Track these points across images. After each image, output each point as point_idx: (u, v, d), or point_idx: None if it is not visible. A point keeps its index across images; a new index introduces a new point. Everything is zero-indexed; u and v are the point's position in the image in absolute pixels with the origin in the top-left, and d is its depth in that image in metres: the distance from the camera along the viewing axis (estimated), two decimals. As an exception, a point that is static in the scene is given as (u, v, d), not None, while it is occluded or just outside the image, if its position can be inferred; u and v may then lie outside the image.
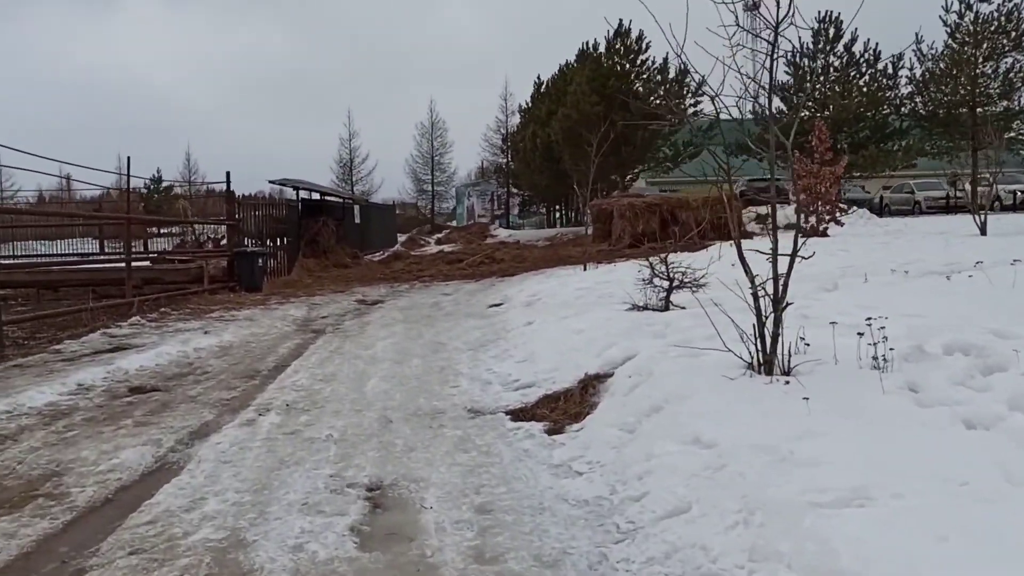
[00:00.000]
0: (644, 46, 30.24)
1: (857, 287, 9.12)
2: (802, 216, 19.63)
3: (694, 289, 8.84)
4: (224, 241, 19.32)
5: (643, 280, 9.30)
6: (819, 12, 30.06)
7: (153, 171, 55.97)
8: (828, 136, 19.70)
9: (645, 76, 30.39)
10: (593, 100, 28.87)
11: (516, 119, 52.59)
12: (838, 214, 19.16)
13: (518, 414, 6.01)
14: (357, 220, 30.80)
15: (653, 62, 30.47)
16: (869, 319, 4.97)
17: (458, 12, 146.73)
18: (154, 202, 47.94)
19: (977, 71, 28.05)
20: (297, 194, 24.03)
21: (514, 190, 56.09)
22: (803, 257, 5.54)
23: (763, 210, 28.15)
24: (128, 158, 14.62)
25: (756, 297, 5.34)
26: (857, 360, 4.98)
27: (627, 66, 30.39)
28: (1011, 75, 28.20)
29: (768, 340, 5.19)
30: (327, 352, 9.29)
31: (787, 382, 4.86)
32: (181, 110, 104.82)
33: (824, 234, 18.89)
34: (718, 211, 23.76)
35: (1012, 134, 28.60)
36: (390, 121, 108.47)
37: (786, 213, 27.57)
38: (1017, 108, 28.80)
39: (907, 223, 23.03)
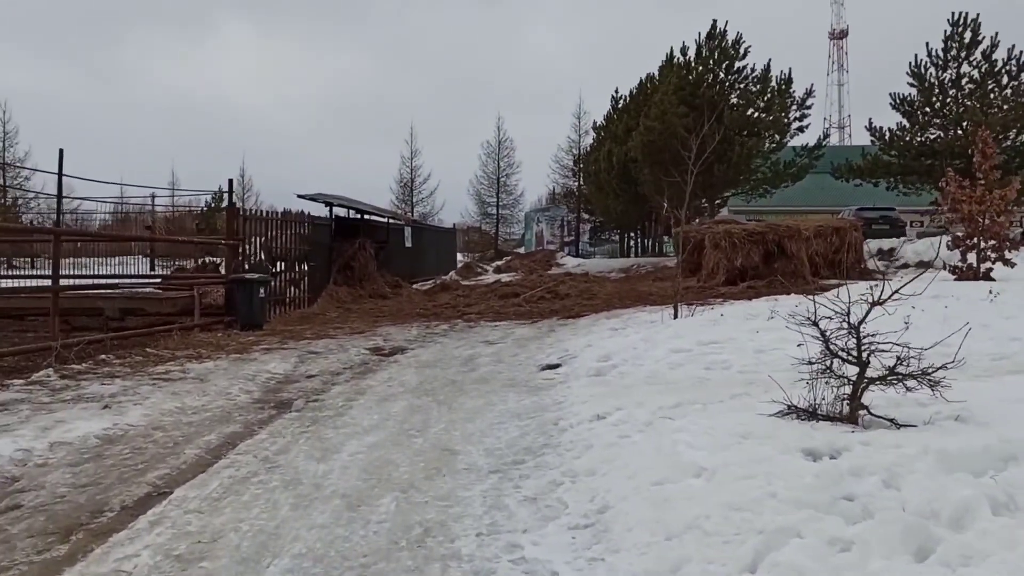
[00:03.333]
0: (742, 51, 26.08)
1: None
2: (957, 253, 15.19)
3: (917, 384, 4.78)
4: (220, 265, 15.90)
5: (805, 361, 5.25)
6: (952, 14, 25.46)
7: (215, 188, 53.92)
8: (995, 151, 15.23)
9: (742, 86, 26.21)
10: (681, 112, 24.82)
11: (590, 139, 48.82)
12: (1007, 251, 14.65)
13: None
14: (408, 244, 27.31)
15: (752, 70, 26.28)
16: None
17: (542, 38, 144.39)
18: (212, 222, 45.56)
19: None
20: (330, 211, 20.60)
21: (585, 215, 52.19)
22: None
23: (886, 244, 23.60)
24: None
25: None
26: None
27: (720, 74, 26.26)
28: None
29: None
30: (255, 463, 5.50)
31: None
32: (263, 132, 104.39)
33: (987, 277, 14.41)
34: (833, 243, 19.48)
35: None
36: (459, 147, 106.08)
37: (915, 248, 23.01)
38: None
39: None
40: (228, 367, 9.61)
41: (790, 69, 27.07)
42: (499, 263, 37.28)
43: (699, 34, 26.73)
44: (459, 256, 41.21)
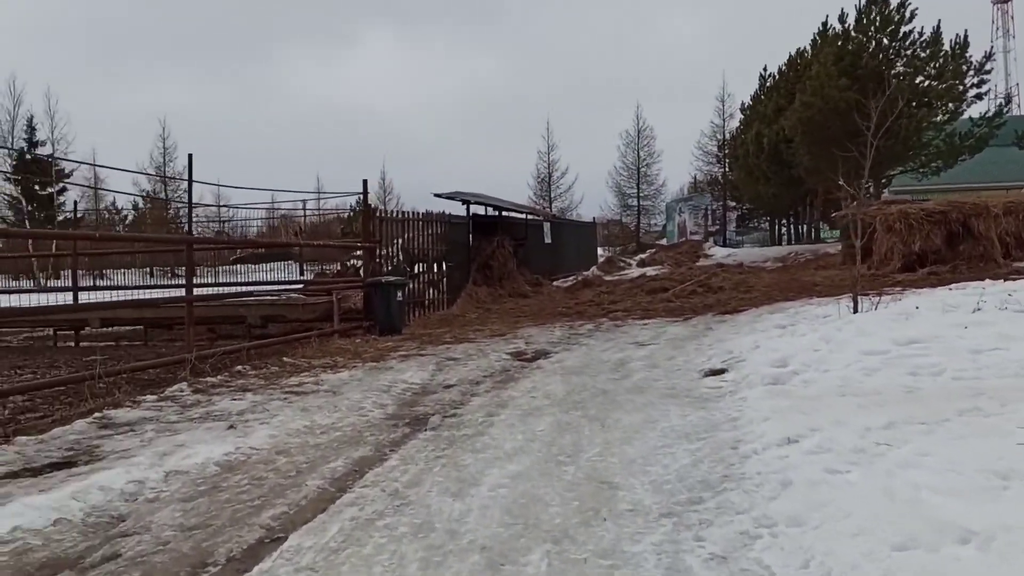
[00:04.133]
0: (908, 14, 23.57)
1: None
2: None
3: None
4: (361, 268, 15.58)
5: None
6: None
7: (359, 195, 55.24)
8: None
9: (909, 52, 23.68)
10: (842, 84, 22.68)
11: (735, 122, 46.45)
12: None
13: None
14: (547, 240, 26.52)
15: (920, 34, 23.69)
16: None
17: (678, 24, 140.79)
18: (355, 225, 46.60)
19: None
20: (468, 209, 20.05)
21: (731, 203, 49.80)
22: None
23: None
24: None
25: None
26: None
27: (884, 40, 23.85)
28: None
29: None
30: (382, 499, 4.73)
31: None
32: (404, 136, 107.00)
33: None
34: (1025, 220, 17.11)
35: None
36: (596, 141, 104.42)
37: None
38: None
39: None
40: (363, 377, 9.04)
41: (966, 31, 24.33)
42: (642, 256, 35.90)
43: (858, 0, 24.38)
44: (600, 250, 40.08)
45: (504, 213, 22.91)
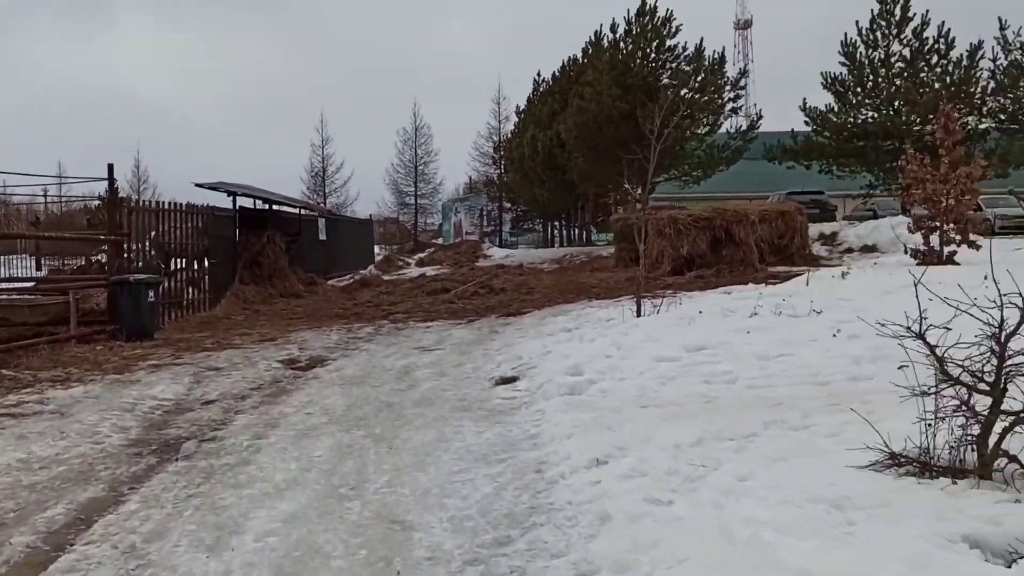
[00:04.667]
0: (672, 29, 24.85)
1: None
2: (919, 236, 14.23)
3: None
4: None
5: (919, 392, 3.73)
6: (882, -9, 24.77)
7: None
8: (958, 126, 14.29)
9: (674, 65, 24.98)
10: (615, 93, 23.42)
11: (510, 125, 47.22)
12: (972, 234, 13.75)
13: None
14: (322, 236, 25.20)
15: (683, 48, 25.08)
16: None
17: (460, 27, 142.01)
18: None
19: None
20: (234, 202, 18.42)
21: (507, 205, 50.69)
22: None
23: (828, 228, 22.81)
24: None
25: None
26: None
27: (651, 53, 24.98)
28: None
29: None
30: (114, 559, 3.72)
31: None
32: (165, 124, 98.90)
33: (951, 260, 13.47)
34: (778, 227, 18.47)
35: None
36: (374, 137, 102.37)
37: (857, 232, 22.25)
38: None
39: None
40: (102, 393, 7.66)
41: (723, 48, 26.18)
42: (421, 255, 35.36)
43: (628, 11, 25.44)
44: (377, 249, 39.05)
45: (275, 207, 21.39)
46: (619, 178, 23.02)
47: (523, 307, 14.66)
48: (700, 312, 9.24)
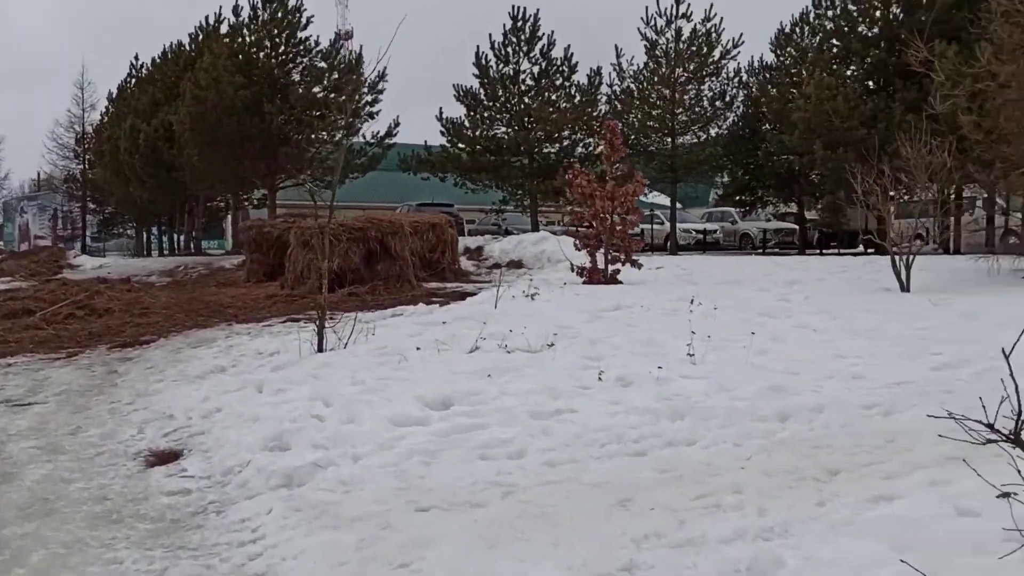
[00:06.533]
0: (304, 20, 22.71)
1: None
2: (584, 254, 14.10)
3: None
4: None
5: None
6: (513, 7, 25.28)
7: None
8: (621, 142, 14.40)
9: (306, 60, 22.84)
10: (237, 82, 20.62)
11: (98, 114, 40.72)
12: (634, 253, 13.97)
13: None
14: None
15: (316, 42, 23.07)
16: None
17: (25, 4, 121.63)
18: None
19: (677, 95, 25.38)
20: None
21: (91, 205, 43.93)
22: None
23: (472, 243, 22.44)
24: None
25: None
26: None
27: (280, 45, 22.58)
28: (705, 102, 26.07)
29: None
30: None
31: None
32: None
33: (614, 280, 13.52)
34: (429, 240, 17.54)
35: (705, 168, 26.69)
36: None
37: (503, 247, 22.15)
38: (706, 138, 26.85)
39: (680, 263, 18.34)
40: None
41: (361, 47, 24.80)
42: (-21, 265, 28.37)
43: (251, -6, 22.68)
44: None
45: None
46: (241, 178, 20.50)
47: (142, 333, 11.59)
48: (418, 349, 7.45)
